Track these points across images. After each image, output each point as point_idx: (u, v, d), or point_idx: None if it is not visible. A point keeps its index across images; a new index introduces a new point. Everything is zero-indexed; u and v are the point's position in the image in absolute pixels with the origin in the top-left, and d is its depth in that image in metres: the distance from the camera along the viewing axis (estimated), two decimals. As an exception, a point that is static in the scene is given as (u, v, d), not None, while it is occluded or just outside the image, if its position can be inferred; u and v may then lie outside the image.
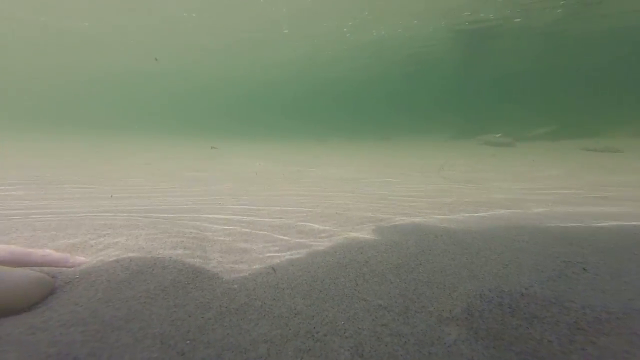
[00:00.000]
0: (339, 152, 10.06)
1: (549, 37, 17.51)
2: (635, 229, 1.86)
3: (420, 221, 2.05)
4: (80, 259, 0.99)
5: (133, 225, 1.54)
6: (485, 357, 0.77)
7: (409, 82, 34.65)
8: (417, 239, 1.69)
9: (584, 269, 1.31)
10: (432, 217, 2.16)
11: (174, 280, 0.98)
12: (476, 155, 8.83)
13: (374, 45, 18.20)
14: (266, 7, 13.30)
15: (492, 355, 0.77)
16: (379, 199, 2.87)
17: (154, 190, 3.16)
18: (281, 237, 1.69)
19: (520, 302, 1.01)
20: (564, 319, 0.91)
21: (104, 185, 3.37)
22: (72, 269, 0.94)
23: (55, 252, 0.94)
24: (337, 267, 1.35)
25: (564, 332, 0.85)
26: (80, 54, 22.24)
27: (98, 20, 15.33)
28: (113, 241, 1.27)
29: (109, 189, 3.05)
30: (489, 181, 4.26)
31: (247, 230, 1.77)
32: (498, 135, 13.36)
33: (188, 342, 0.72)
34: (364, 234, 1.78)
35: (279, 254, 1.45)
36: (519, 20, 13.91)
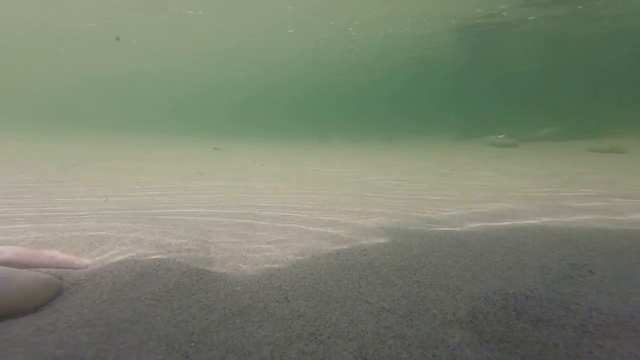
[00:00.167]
0: (346, 154, 10.05)
1: (553, 37, 17.41)
2: (642, 230, 1.84)
3: (424, 222, 2.04)
4: (86, 260, 1.00)
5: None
6: (491, 361, 0.76)
7: (412, 83, 34.61)
8: (421, 241, 1.69)
9: (591, 271, 1.30)
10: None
11: (178, 282, 0.99)
12: (478, 155, 8.78)
13: (379, 45, 18.18)
14: (272, 5, 13.28)
15: (497, 358, 0.77)
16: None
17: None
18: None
19: (525, 304, 1.00)
20: (570, 322, 0.90)
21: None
22: (78, 270, 0.95)
23: (61, 254, 0.95)
24: (340, 270, 1.35)
25: (570, 335, 0.84)
26: (82, 53, 22.41)
27: (101, 19, 15.44)
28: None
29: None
30: (495, 182, 4.24)
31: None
32: (501, 136, 13.28)
33: (192, 344, 0.72)
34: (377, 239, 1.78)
35: (282, 256, 1.45)
36: (533, 18, 13.67)
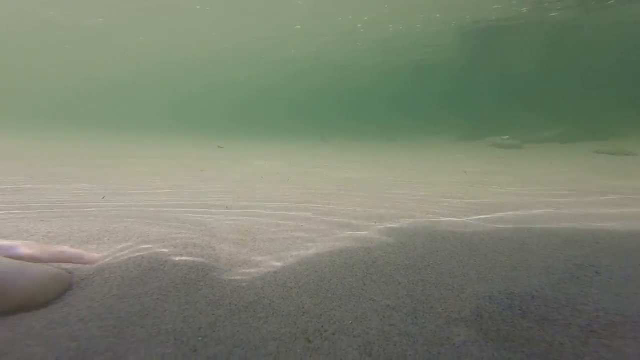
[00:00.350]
0: (349, 154, 10.04)
1: (558, 37, 17.25)
2: (649, 232, 1.82)
3: (428, 221, 2.04)
4: (95, 255, 1.02)
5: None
6: (496, 359, 0.76)
7: (415, 83, 34.47)
8: (425, 240, 1.69)
9: (597, 272, 1.29)
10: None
11: (185, 278, 1.00)
12: (485, 157, 8.73)
13: (386, 43, 18.03)
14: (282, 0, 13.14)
15: (503, 357, 0.77)
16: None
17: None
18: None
19: (531, 304, 1.00)
20: (576, 322, 0.90)
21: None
22: (88, 265, 0.97)
23: (71, 249, 0.96)
24: (344, 267, 1.36)
25: (576, 334, 0.84)
26: (85, 51, 22.47)
27: (106, 15, 15.45)
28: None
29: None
30: (502, 183, 4.22)
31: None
32: (505, 137, 13.18)
33: (200, 338, 0.73)
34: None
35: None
36: (555, 14, 13.40)
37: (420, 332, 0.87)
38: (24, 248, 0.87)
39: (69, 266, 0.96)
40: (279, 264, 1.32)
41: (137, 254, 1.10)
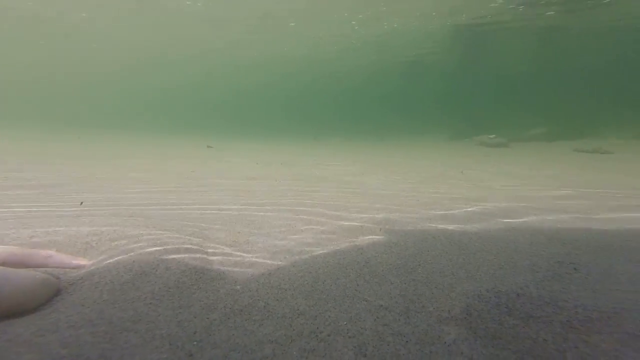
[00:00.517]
0: (344, 154, 10.08)
1: (544, 38, 17.78)
2: (626, 230, 1.92)
3: (419, 222, 2.08)
4: (83, 260, 0.99)
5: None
6: (484, 356, 0.79)
7: (407, 83, 34.84)
8: (416, 240, 1.72)
9: (575, 269, 1.35)
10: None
11: (178, 282, 0.99)
12: (473, 155, 8.94)
13: (381, 41, 18.04)
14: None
15: (491, 353, 0.80)
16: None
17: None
18: (281, 237, 1.70)
19: (516, 302, 1.04)
20: (557, 318, 0.94)
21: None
22: (76, 270, 0.94)
23: (58, 254, 0.94)
24: (337, 268, 1.37)
25: (558, 331, 0.89)
26: (71, 46, 21.54)
27: (94, 10, 14.82)
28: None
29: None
30: (493, 182, 4.34)
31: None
32: (492, 136, 13.53)
33: (195, 343, 0.73)
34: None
35: (280, 255, 1.46)
36: (551, 12, 13.55)
37: (412, 331, 0.90)
38: (8, 253, 0.84)
39: (56, 271, 0.93)
40: (272, 266, 1.33)
41: (127, 258, 1.08)
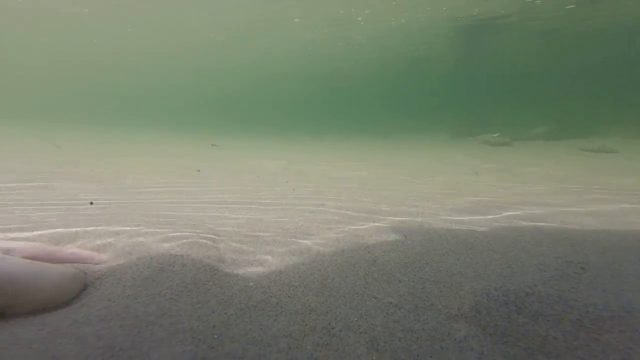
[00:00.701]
0: (348, 153, 10.07)
1: (547, 35, 17.59)
2: (633, 230, 1.92)
3: (424, 221, 2.09)
4: (104, 256, 1.02)
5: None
6: (495, 352, 0.81)
7: (409, 81, 34.69)
8: (422, 239, 1.74)
9: (583, 268, 1.36)
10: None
11: (194, 278, 1.02)
12: (478, 155, 8.89)
13: (384, 38, 17.87)
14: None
15: (501, 350, 0.82)
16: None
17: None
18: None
19: (525, 300, 1.05)
20: (567, 317, 0.96)
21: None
22: (98, 266, 0.98)
23: (81, 250, 0.97)
24: (346, 266, 1.39)
25: (568, 329, 0.90)
26: (71, 40, 21.47)
27: (92, 5, 14.77)
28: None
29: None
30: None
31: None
32: (496, 135, 13.43)
33: (215, 336, 0.76)
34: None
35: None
36: (571, 7, 13.21)
37: (422, 327, 0.92)
38: (38, 249, 0.87)
39: (82, 266, 0.96)
40: (282, 263, 1.35)
41: (145, 255, 1.11)
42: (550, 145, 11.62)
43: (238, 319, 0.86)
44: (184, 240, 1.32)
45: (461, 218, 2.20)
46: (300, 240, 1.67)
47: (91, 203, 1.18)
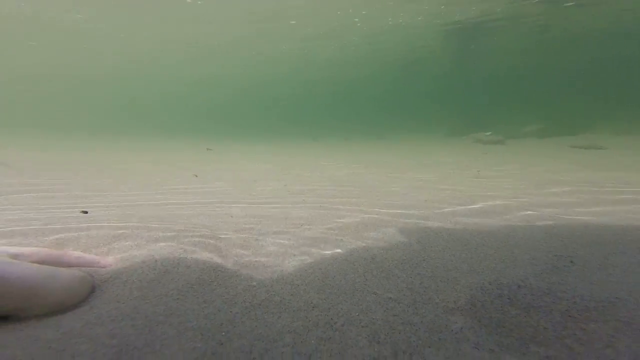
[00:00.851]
0: (346, 154, 10.13)
1: (538, 35, 17.93)
2: (619, 225, 2.00)
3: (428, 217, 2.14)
4: (109, 260, 1.04)
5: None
6: (490, 342, 0.86)
7: (402, 81, 34.95)
8: (419, 237, 1.79)
9: (572, 262, 1.42)
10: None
11: (199, 279, 1.05)
12: (471, 153, 9.03)
13: (379, 38, 17.91)
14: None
15: (496, 340, 0.86)
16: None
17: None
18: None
19: (517, 293, 1.11)
20: (557, 308, 1.01)
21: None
22: (104, 269, 1.00)
23: (86, 254, 0.99)
24: (345, 264, 1.43)
25: (557, 319, 0.95)
26: (61, 48, 21.14)
27: (85, 11, 14.58)
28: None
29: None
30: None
31: (255, 229, 1.83)
32: (488, 133, 13.64)
33: (223, 333, 0.79)
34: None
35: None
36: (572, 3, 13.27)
37: (421, 320, 0.96)
38: (45, 253, 0.89)
39: (89, 270, 0.98)
40: (283, 263, 1.38)
41: (149, 257, 1.13)
42: (541, 143, 11.86)
43: (244, 317, 0.89)
44: (186, 242, 1.35)
45: (456, 216, 2.25)
46: (300, 240, 1.70)
47: (85, 212, 1.18)
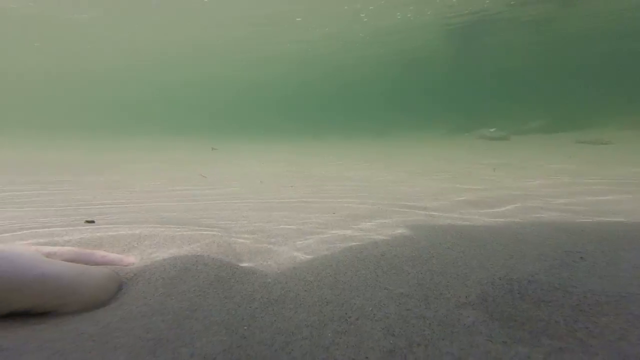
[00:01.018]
0: (351, 153, 10.13)
1: (542, 30, 17.72)
2: (627, 220, 2.00)
3: (427, 215, 2.16)
4: (132, 259, 1.08)
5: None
6: (502, 335, 0.88)
7: (405, 77, 34.77)
8: (427, 234, 1.81)
9: (581, 257, 1.44)
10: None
11: (217, 276, 1.08)
12: (476, 149, 8.99)
13: (385, 34, 17.75)
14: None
15: (508, 333, 0.89)
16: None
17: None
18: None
19: (528, 288, 1.13)
20: (568, 303, 1.03)
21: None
22: (127, 267, 1.04)
23: (110, 254, 1.03)
24: (356, 261, 1.46)
25: (568, 313, 0.97)
26: (63, 48, 21.24)
27: (90, 10, 14.64)
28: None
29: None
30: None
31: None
32: (492, 129, 13.56)
33: (245, 327, 0.82)
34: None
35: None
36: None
37: (434, 315, 0.99)
38: (73, 253, 0.93)
39: (115, 268, 1.02)
40: (296, 261, 1.42)
41: (169, 256, 1.17)
42: (547, 139, 11.75)
43: (262, 312, 0.93)
44: (202, 241, 1.39)
45: (463, 213, 2.27)
46: (310, 238, 1.74)
47: (92, 221, 1.21)
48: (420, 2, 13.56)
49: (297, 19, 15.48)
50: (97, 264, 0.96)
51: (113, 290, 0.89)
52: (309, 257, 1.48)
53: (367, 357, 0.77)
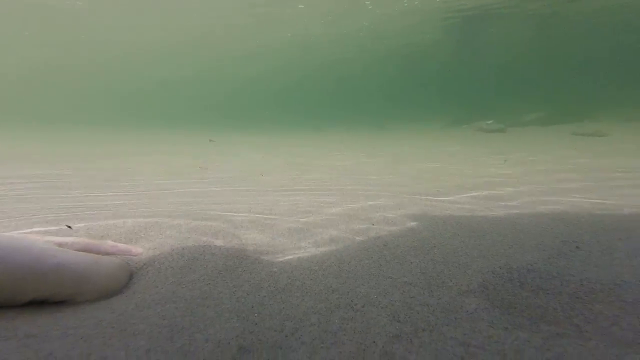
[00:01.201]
0: (356, 145, 10.11)
1: (541, 23, 17.55)
2: (621, 211, 2.05)
3: (428, 206, 2.19)
4: (140, 249, 1.10)
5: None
6: (502, 321, 0.91)
7: (403, 71, 34.46)
8: (428, 224, 1.84)
9: (578, 247, 1.48)
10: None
11: (225, 265, 1.10)
12: (471, 141, 9.02)
13: (387, 24, 17.35)
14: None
15: (508, 320, 0.92)
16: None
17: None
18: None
19: (527, 276, 1.16)
20: (565, 290, 1.07)
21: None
22: (136, 257, 1.05)
23: (119, 244, 1.04)
24: (359, 251, 1.49)
25: (566, 301, 1.01)
26: (66, 34, 20.65)
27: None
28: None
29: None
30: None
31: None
32: (489, 122, 13.57)
33: (256, 314, 0.85)
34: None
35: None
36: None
37: (437, 302, 1.02)
38: (84, 243, 0.94)
39: (125, 258, 1.03)
40: (300, 250, 1.44)
41: (176, 246, 1.18)
42: (544, 130, 11.81)
43: (271, 300, 0.95)
44: (207, 231, 1.40)
45: (464, 203, 2.30)
46: (313, 230, 1.76)
47: (69, 227, 1.20)
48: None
49: (300, 6, 15.10)
50: (107, 253, 0.97)
51: (125, 280, 0.91)
52: (313, 247, 1.50)
53: (374, 342, 0.80)
